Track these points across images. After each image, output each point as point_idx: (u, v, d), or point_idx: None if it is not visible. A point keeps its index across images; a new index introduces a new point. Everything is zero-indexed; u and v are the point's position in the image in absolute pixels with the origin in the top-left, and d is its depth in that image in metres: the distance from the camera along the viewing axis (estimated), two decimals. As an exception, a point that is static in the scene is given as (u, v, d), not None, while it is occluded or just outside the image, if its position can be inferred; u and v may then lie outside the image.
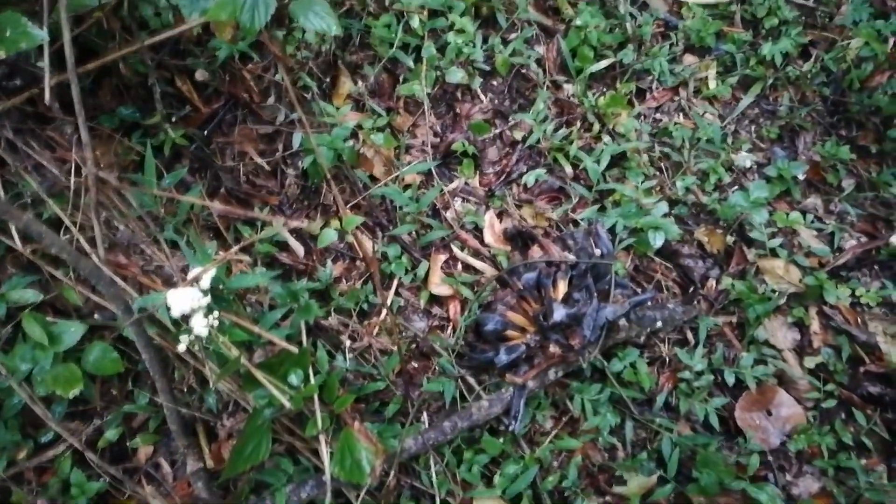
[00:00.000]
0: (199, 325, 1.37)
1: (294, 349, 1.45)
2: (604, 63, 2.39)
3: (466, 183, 2.20)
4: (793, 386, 2.00)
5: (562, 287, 1.85)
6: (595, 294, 1.77)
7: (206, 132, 2.07)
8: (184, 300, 1.35)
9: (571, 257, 1.92)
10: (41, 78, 1.39)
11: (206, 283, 1.40)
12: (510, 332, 1.84)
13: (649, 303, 1.92)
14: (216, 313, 1.38)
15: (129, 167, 1.96)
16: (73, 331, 1.54)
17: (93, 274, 1.37)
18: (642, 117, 2.40)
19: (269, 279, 1.56)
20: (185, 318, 1.35)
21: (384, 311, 1.91)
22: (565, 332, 1.75)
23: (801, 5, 2.66)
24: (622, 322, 1.85)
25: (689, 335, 2.04)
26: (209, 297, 1.38)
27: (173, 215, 1.80)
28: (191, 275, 1.41)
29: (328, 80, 2.25)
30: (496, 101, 2.37)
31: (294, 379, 1.57)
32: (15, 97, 1.53)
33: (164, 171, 1.90)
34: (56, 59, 1.39)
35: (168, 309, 1.33)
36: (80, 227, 1.59)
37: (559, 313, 1.72)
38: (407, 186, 2.11)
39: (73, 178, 1.54)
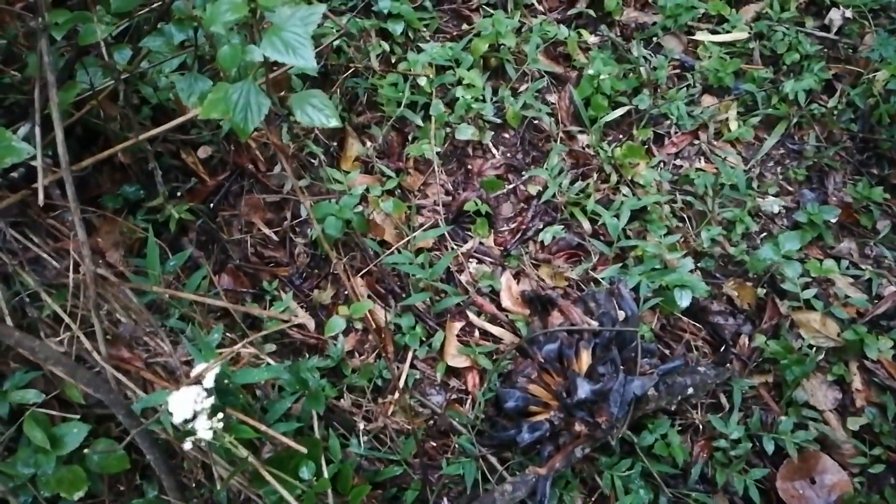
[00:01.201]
0: (203, 429, 1.30)
1: (303, 449, 1.37)
2: (619, 112, 2.31)
3: (481, 243, 2.12)
4: (837, 451, 1.88)
5: (585, 358, 1.76)
6: (621, 367, 1.68)
7: (211, 205, 2.03)
8: (186, 403, 1.28)
9: (594, 323, 1.83)
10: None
11: (209, 381, 1.34)
12: (533, 408, 1.75)
13: (679, 368, 1.81)
14: (220, 415, 1.31)
15: (134, 246, 1.91)
16: (76, 432, 1.48)
17: (91, 383, 1.31)
18: (661, 164, 2.31)
19: (276, 372, 1.49)
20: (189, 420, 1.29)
21: (399, 388, 1.82)
22: (591, 408, 1.66)
23: (822, 38, 2.56)
24: (651, 392, 1.74)
25: (723, 399, 1.93)
26: (213, 396, 1.32)
27: (178, 300, 1.74)
28: (194, 372, 1.35)
29: (336, 143, 2.20)
30: (509, 155, 2.30)
31: (305, 472, 1.50)
32: (12, 193, 1.49)
33: (168, 252, 1.85)
34: (53, 146, 1.35)
35: (170, 414, 1.27)
36: (82, 321, 1.54)
37: (584, 390, 1.62)
38: (419, 251, 2.03)
39: (72, 275, 1.49)
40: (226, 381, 1.47)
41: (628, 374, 1.72)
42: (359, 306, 1.61)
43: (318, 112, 1.18)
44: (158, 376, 1.53)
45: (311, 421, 1.69)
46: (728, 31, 2.53)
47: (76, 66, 1.52)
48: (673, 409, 1.86)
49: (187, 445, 1.29)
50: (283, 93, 1.97)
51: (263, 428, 1.40)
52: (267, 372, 1.46)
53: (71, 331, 1.48)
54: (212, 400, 1.31)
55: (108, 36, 1.37)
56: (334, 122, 1.20)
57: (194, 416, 1.30)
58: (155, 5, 1.62)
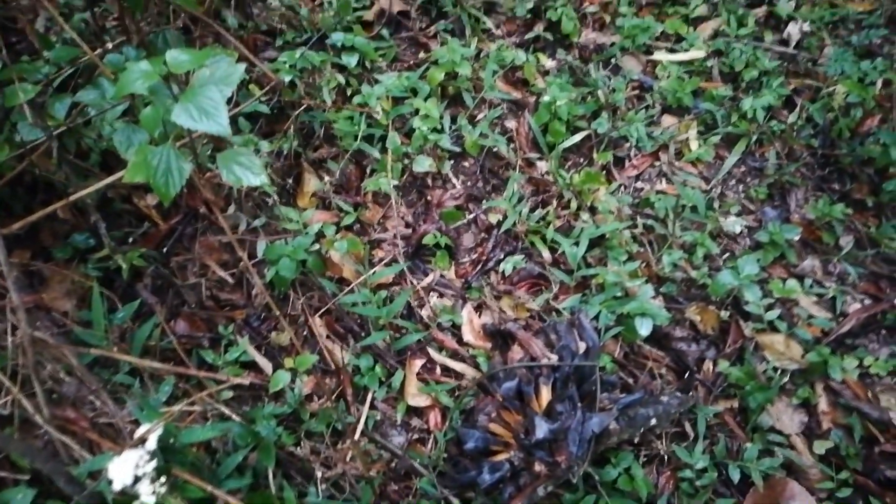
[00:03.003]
0: (146, 493, 1.27)
1: (251, 509, 1.34)
2: (577, 137, 2.30)
3: (441, 276, 2.10)
4: (803, 476, 1.86)
5: (545, 394, 1.74)
6: (579, 404, 1.66)
7: (165, 249, 2.00)
8: (127, 468, 1.25)
9: (554, 357, 1.81)
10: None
11: (152, 443, 1.31)
12: (494, 447, 1.72)
13: (640, 401, 1.79)
14: (164, 478, 1.28)
15: (87, 296, 1.88)
16: (20, 497, 1.44)
17: (27, 453, 1.28)
18: (622, 188, 2.29)
19: (224, 429, 1.46)
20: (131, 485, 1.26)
21: (358, 431, 1.80)
22: (550, 448, 1.63)
23: (781, 53, 2.56)
24: (612, 426, 1.72)
25: (688, 427, 1.91)
26: (157, 459, 1.29)
27: (127, 352, 1.71)
28: (138, 433, 1.32)
29: (292, 179, 2.18)
30: (469, 184, 2.28)
31: (259, 529, 1.47)
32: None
33: (118, 303, 1.82)
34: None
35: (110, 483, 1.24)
36: (24, 383, 1.50)
37: (542, 430, 1.60)
38: (379, 287, 2.01)
39: (10, 337, 1.46)
40: (171, 441, 1.44)
41: (588, 409, 1.69)
42: (304, 359, 1.58)
43: (245, 170, 1.16)
44: (105, 437, 1.50)
45: (267, 471, 1.66)
46: (686, 50, 2.53)
47: (5, 124, 1.50)
48: (636, 440, 1.84)
49: (132, 510, 1.26)
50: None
51: (210, 488, 1.37)
52: (213, 430, 1.43)
53: (11, 393, 1.44)
54: (154, 463, 1.28)
55: (34, 95, 1.34)
56: (261, 181, 1.17)
57: (137, 481, 1.27)
58: (86, 58, 1.60)
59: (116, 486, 1.24)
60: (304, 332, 1.98)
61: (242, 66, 1.11)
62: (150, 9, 1.66)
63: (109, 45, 1.53)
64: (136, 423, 1.51)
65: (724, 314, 2.06)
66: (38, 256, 1.91)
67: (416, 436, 1.86)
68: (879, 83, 2.41)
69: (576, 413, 1.64)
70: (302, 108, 2.07)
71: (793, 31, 2.60)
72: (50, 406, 1.49)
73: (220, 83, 1.08)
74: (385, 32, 2.48)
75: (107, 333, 1.69)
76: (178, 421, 1.47)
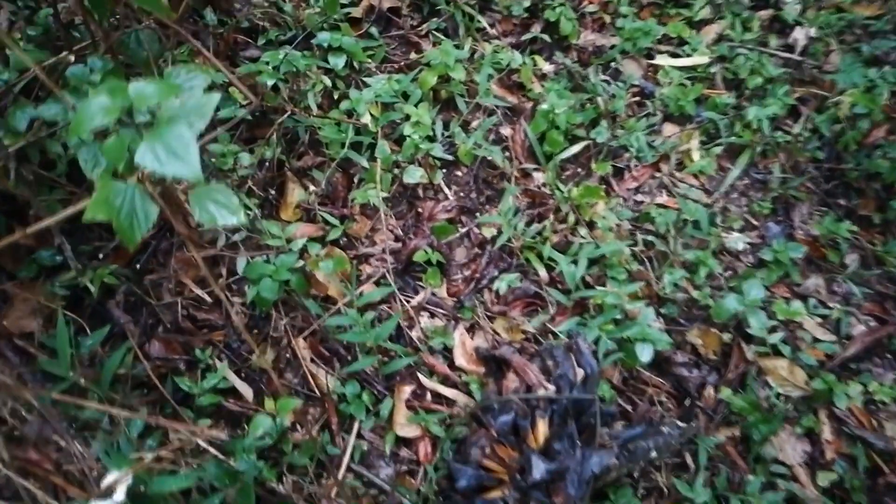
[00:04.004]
0: (113, 551, 1.17)
1: (227, 566, 1.24)
2: (576, 148, 2.19)
3: (433, 293, 1.99)
4: (807, 509, 1.80)
5: (542, 428, 1.65)
6: (578, 442, 1.57)
7: (138, 265, 1.87)
8: (91, 525, 1.15)
9: (551, 388, 1.72)
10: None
11: (120, 494, 1.20)
12: (487, 483, 1.63)
13: (641, 434, 1.71)
14: (132, 536, 1.18)
15: (53, 314, 1.76)
16: (-24, 548, 1.34)
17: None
18: (622, 201, 2.19)
19: (196, 478, 1.36)
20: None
21: (344, 465, 1.70)
22: (548, 489, 1.55)
23: (786, 59, 2.47)
24: (611, 461, 1.64)
25: (689, 458, 1.83)
26: (124, 512, 1.19)
27: (96, 383, 1.59)
28: (105, 481, 1.22)
29: (274, 189, 2.05)
30: (462, 195, 2.17)
31: (237, 578, 1.37)
32: None
33: (86, 327, 1.69)
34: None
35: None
36: (-18, 422, 1.39)
37: (539, 470, 1.51)
38: (367, 306, 1.90)
39: (-37, 376, 1.33)
40: (142, 488, 1.33)
41: (587, 446, 1.61)
42: (286, 403, 1.48)
43: (220, 208, 1.04)
44: (71, 482, 1.39)
45: (246, 512, 1.55)
46: (689, 55, 2.42)
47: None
48: (636, 474, 1.76)
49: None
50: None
51: (183, 542, 1.27)
52: (186, 479, 1.33)
53: (-34, 437, 1.33)
54: (121, 518, 1.18)
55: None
56: (238, 221, 1.05)
57: (102, 537, 1.17)
58: (51, 61, 1.46)
59: (80, 547, 1.14)
60: (287, 355, 1.88)
61: (217, 96, 0.99)
62: (117, 11, 1.51)
63: (72, 59, 1.40)
64: (105, 467, 1.41)
65: (727, 336, 1.98)
66: (4, 273, 1.78)
67: (404, 467, 1.77)
68: (886, 93, 2.32)
69: (575, 452, 1.55)
70: (286, 115, 1.93)
71: (799, 36, 2.50)
72: (10, 447, 1.38)
73: (192, 115, 0.96)
74: (374, 31, 2.35)
75: (73, 363, 1.57)
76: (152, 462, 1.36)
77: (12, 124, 1.50)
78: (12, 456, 1.37)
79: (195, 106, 0.97)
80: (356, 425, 1.77)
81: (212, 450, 1.54)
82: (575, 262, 1.97)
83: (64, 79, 1.42)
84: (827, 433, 1.89)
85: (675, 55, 2.44)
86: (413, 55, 2.36)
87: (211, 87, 1.36)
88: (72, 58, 1.40)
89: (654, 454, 1.73)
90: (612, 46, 2.45)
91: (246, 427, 1.79)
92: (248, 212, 1.94)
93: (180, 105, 0.96)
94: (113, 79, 1.31)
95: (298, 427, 1.77)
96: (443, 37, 2.40)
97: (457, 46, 2.30)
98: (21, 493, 1.34)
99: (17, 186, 1.36)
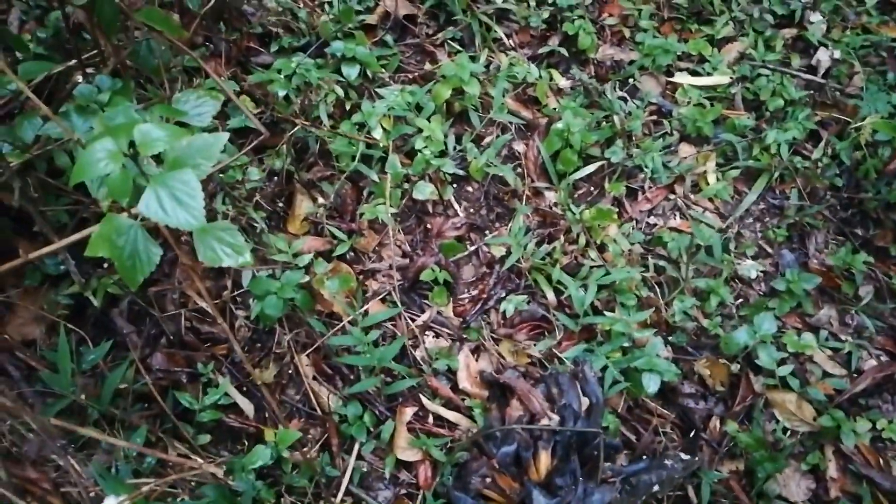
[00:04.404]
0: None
1: None
2: (590, 168, 2.15)
3: (439, 312, 1.97)
4: (809, 549, 1.78)
5: (544, 460, 1.63)
6: (580, 478, 1.55)
7: (143, 275, 1.85)
8: (87, 555, 1.14)
9: (555, 417, 1.70)
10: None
11: (117, 523, 1.20)
12: (486, 513, 1.62)
13: (644, 470, 1.69)
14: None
15: (55, 326, 1.75)
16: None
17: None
18: (634, 223, 2.16)
19: None
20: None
21: (343, 487, 1.69)
22: (547, 523, 1.53)
23: (808, 81, 2.41)
24: (613, 496, 1.62)
25: (691, 492, 1.81)
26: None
27: (96, 399, 1.58)
28: (102, 506, 1.21)
29: (283, 201, 2.03)
30: (472, 211, 2.14)
31: None
32: None
33: (89, 338, 1.68)
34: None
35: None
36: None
37: (539, 505, 1.50)
38: (371, 326, 1.88)
39: (-37, 395, 1.32)
40: (139, 513, 1.33)
41: (589, 479, 1.59)
42: (286, 435, 1.47)
43: (224, 248, 1.02)
44: (68, 502, 1.38)
45: (243, 534, 1.55)
46: (709, 73, 2.37)
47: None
48: (637, 507, 1.74)
49: None
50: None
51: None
52: (183, 508, 1.32)
53: (-36, 455, 1.32)
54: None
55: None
56: (246, 260, 1.03)
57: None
58: (59, 69, 1.44)
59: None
60: (290, 371, 1.86)
61: (225, 136, 0.96)
62: (128, 24, 1.48)
63: (80, 79, 1.37)
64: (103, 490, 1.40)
65: (735, 367, 1.95)
66: (4, 281, 1.77)
67: (403, 491, 1.75)
68: (910, 119, 2.27)
69: (577, 488, 1.53)
70: (296, 128, 1.90)
71: (822, 57, 2.44)
72: (8, 465, 1.37)
73: (199, 155, 0.94)
74: (389, 38, 2.31)
75: (74, 378, 1.56)
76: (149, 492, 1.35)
77: (20, 135, 1.47)
78: (10, 474, 1.36)
79: (202, 145, 0.95)
80: (356, 447, 1.75)
81: (212, 468, 1.54)
82: (584, 287, 1.94)
83: (72, 90, 1.39)
84: (832, 470, 1.86)
85: (694, 73, 2.39)
86: (428, 65, 2.32)
87: (223, 104, 1.33)
88: (80, 77, 1.37)
89: (656, 487, 1.71)
90: (631, 62, 2.40)
91: (246, 443, 1.79)
92: (255, 224, 1.92)
93: (186, 145, 0.93)
94: (121, 99, 1.28)
95: (299, 445, 1.76)
96: (459, 47, 2.36)
97: (472, 57, 2.26)
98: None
99: (21, 202, 1.34)
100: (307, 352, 1.86)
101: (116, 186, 1.00)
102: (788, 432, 1.89)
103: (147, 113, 1.24)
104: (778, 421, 1.90)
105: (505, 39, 2.41)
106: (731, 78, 2.35)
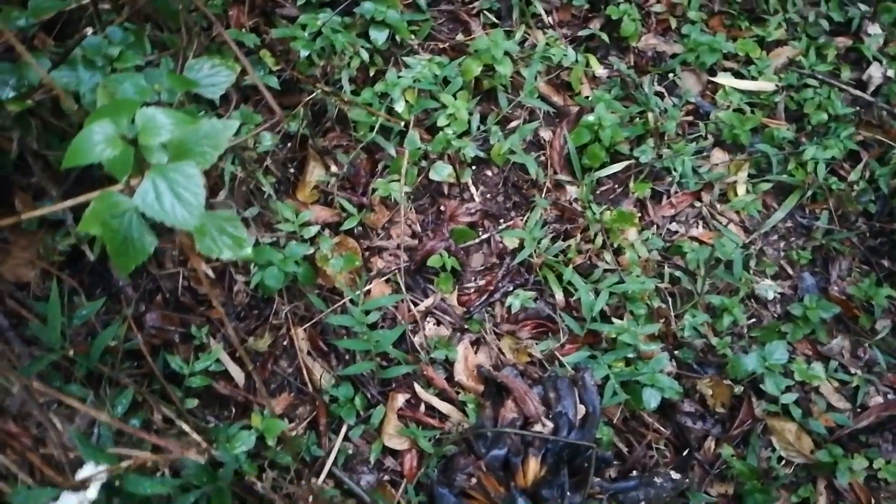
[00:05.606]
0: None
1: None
2: (617, 166, 2.06)
3: (442, 299, 1.92)
4: (788, 581, 1.76)
5: (533, 467, 1.60)
6: (568, 493, 1.52)
7: (144, 229, 1.79)
8: (65, 513, 1.13)
9: (549, 424, 1.66)
10: None
11: (93, 492, 1.17)
12: (468, 513, 1.60)
13: (634, 488, 1.66)
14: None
15: (49, 273, 1.70)
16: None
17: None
18: (655, 228, 2.08)
19: (170, 485, 1.32)
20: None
21: (327, 467, 1.67)
22: (528, 534, 1.51)
23: (856, 97, 2.29)
24: (598, 511, 1.60)
25: (677, 512, 1.79)
26: (97, 507, 1.16)
27: (85, 355, 1.54)
28: (80, 474, 1.19)
29: (294, 166, 1.96)
30: (488, 197, 2.06)
31: (204, 580, 1.36)
32: None
33: (84, 289, 1.64)
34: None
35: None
36: (-37, 388, 1.35)
37: (522, 516, 1.47)
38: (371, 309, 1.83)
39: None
40: (116, 483, 1.30)
41: (576, 491, 1.56)
42: (272, 424, 1.43)
43: (224, 239, 0.95)
44: (48, 463, 1.35)
45: (222, 507, 1.53)
46: (754, 77, 2.25)
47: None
48: (621, 522, 1.72)
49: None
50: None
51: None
52: (162, 485, 1.29)
53: (-56, 405, 1.29)
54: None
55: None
56: (246, 253, 0.97)
57: (70, 537, 1.15)
58: (74, 6, 1.34)
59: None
60: (285, 342, 1.82)
61: (235, 123, 0.88)
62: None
63: (89, 31, 1.28)
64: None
65: (738, 388, 1.90)
66: (7, 211, 1.72)
67: (387, 477, 1.73)
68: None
69: (563, 502, 1.50)
70: (314, 93, 1.81)
71: (875, 73, 2.31)
72: (-12, 417, 1.34)
73: (205, 143, 0.86)
74: (422, 2, 2.18)
75: (64, 335, 1.52)
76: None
77: (27, 76, 1.39)
78: (-9, 426, 1.34)
79: (210, 132, 0.87)
80: (344, 429, 1.72)
81: (194, 435, 1.51)
82: (596, 292, 1.87)
83: (80, 40, 1.31)
84: (822, 505, 1.84)
85: (739, 75, 2.27)
86: (460, 36, 2.21)
87: (238, 58, 1.24)
88: (89, 30, 1.28)
89: (642, 505, 1.68)
90: (674, 55, 2.28)
91: (234, 410, 1.76)
92: (263, 189, 1.85)
93: (192, 133, 0.86)
94: (131, 55, 1.20)
95: (286, 420, 1.73)
96: (495, 19, 2.24)
97: (508, 32, 2.15)
98: (-4, 464, 1.31)
99: (20, 156, 1.27)
100: (304, 325, 1.81)
101: (117, 165, 0.92)
102: (783, 461, 1.85)
103: (157, 76, 1.16)
104: (774, 449, 1.86)
105: (544, 16, 2.28)
106: (776, 85, 2.23)
